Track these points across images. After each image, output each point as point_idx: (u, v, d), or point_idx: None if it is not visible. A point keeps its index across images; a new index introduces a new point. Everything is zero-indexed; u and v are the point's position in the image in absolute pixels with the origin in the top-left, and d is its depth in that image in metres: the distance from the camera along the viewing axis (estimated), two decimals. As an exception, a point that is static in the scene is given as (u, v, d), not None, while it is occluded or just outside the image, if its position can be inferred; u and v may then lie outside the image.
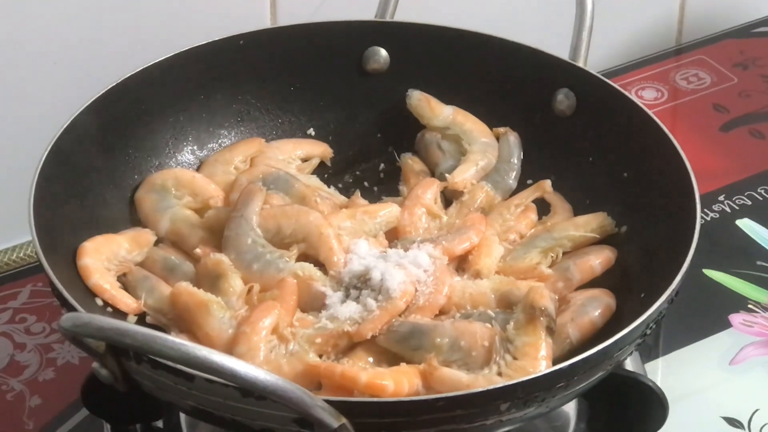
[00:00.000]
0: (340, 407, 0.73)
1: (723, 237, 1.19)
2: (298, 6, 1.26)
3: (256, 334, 0.87)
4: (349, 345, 0.88)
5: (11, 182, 1.05)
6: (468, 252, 0.97)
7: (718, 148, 1.32)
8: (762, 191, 1.25)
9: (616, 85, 1.04)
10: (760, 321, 1.10)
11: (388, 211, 1.00)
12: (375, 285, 0.91)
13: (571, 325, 0.90)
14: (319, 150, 1.11)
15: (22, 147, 1.05)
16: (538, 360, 0.84)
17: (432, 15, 1.13)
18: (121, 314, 0.92)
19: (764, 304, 1.11)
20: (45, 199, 0.91)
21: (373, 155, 1.12)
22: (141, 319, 0.93)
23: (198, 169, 1.07)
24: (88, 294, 0.92)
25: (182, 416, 0.97)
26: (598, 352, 0.79)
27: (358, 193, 1.05)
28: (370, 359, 0.87)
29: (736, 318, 1.10)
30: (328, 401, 0.73)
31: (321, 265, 0.95)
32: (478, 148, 1.08)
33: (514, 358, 0.84)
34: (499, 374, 0.83)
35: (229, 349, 0.86)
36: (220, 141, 1.10)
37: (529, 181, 1.07)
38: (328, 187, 1.08)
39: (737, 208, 1.23)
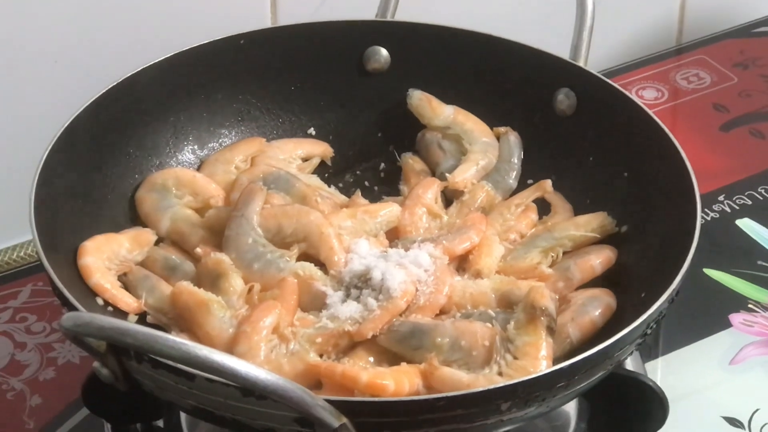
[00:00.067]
0: (341, 407, 0.73)
1: (723, 237, 1.19)
2: (299, 5, 1.26)
3: (256, 334, 0.87)
4: (350, 344, 0.88)
5: (12, 181, 1.05)
6: (468, 252, 0.97)
7: (718, 148, 1.32)
8: (762, 191, 1.25)
9: (616, 85, 1.04)
10: (760, 321, 1.10)
11: (388, 210, 1.00)
12: (376, 284, 0.91)
13: (572, 324, 0.90)
14: (320, 149, 1.11)
15: (22, 146, 1.06)
16: (539, 360, 0.84)
17: (433, 15, 1.13)
18: (121, 314, 0.92)
19: (764, 304, 1.12)
20: (46, 199, 0.91)
21: (373, 155, 1.12)
22: (142, 318, 0.93)
23: (198, 169, 1.07)
24: (89, 293, 0.92)
25: (183, 416, 0.97)
26: (598, 351, 0.79)
27: (358, 192, 1.05)
28: (371, 359, 0.87)
29: (736, 318, 1.10)
30: (328, 401, 0.73)
31: (322, 265, 0.95)
32: (479, 147, 1.08)
33: (515, 358, 0.84)
34: (500, 374, 0.84)
35: (230, 348, 0.87)
36: (220, 140, 1.10)
37: (530, 181, 1.07)
38: (329, 186, 1.08)
39: (737, 207, 1.23)
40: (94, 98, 0.99)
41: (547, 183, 1.05)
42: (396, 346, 0.87)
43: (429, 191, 1.03)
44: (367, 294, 0.91)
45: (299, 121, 1.12)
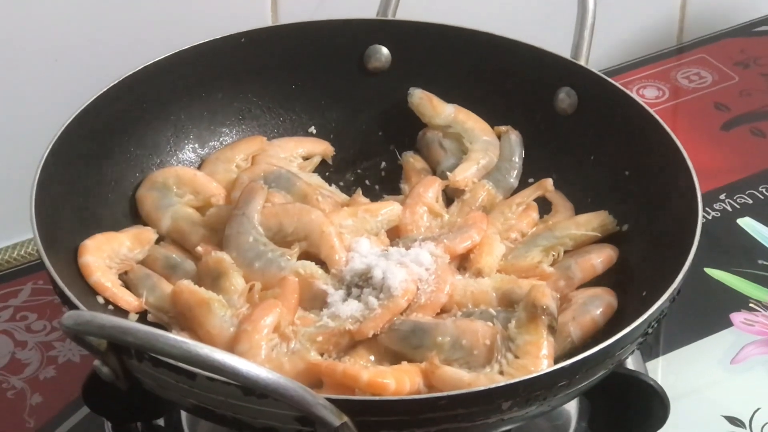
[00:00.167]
0: (342, 406, 0.73)
1: (724, 236, 1.19)
2: (299, 4, 1.26)
3: (257, 333, 0.87)
4: (351, 343, 0.88)
5: (12, 180, 1.05)
6: (469, 250, 0.97)
7: (719, 147, 1.32)
8: (763, 190, 1.25)
9: (617, 84, 1.04)
10: (761, 320, 1.10)
11: (389, 209, 1.00)
12: (376, 283, 0.91)
13: (573, 323, 0.90)
14: (321, 148, 1.11)
15: (23, 144, 1.05)
16: (540, 359, 0.84)
17: (434, 13, 1.13)
18: (122, 312, 0.92)
19: (765, 303, 1.11)
20: (46, 197, 0.91)
21: (374, 153, 1.12)
22: (142, 317, 0.93)
23: (199, 167, 1.07)
24: (90, 292, 0.92)
25: (183, 414, 0.97)
26: (599, 351, 0.79)
27: (359, 191, 1.05)
28: (372, 358, 0.87)
29: (737, 317, 1.10)
30: (329, 399, 0.72)
31: (322, 264, 0.95)
32: (480, 146, 1.08)
33: (516, 357, 0.84)
34: (501, 373, 0.84)
35: (231, 347, 0.86)
36: (221, 139, 1.10)
37: (531, 180, 1.07)
38: (330, 185, 1.08)
39: (738, 206, 1.23)
40: (94, 97, 0.99)
41: (548, 182, 1.05)
42: (397, 345, 0.87)
43: (430, 190, 1.03)
44: (368, 293, 0.90)
45: (300, 120, 1.12)
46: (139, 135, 1.04)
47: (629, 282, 0.95)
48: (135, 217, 1.02)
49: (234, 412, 0.77)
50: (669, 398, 0.88)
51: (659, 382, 0.89)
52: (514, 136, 1.08)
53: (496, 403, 0.77)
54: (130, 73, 1.02)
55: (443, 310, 0.91)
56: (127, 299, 0.93)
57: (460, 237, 0.97)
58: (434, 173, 1.08)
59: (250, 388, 0.73)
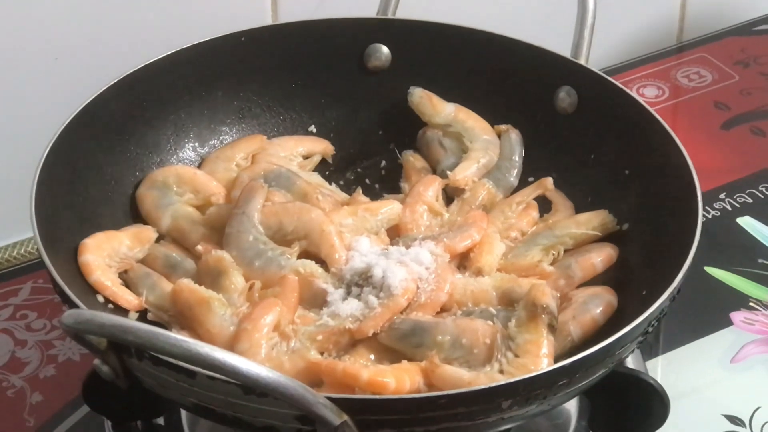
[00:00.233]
0: (342, 404, 0.73)
1: (724, 235, 1.19)
2: (300, 3, 1.26)
3: (257, 331, 0.87)
4: (351, 342, 0.88)
5: (13, 179, 1.04)
6: (469, 249, 0.97)
7: (719, 146, 1.32)
8: (763, 189, 1.25)
9: (617, 83, 1.04)
10: (761, 319, 1.10)
11: (389, 208, 1.00)
12: (376, 282, 0.90)
13: (573, 322, 0.90)
14: (321, 147, 1.11)
15: (23, 143, 1.05)
16: (540, 357, 0.84)
17: (434, 12, 1.13)
18: (122, 311, 0.92)
19: (765, 302, 1.11)
20: (46, 196, 0.91)
21: (374, 152, 1.12)
22: (142, 316, 0.93)
23: (199, 166, 1.07)
24: (89, 291, 0.92)
25: (183, 413, 0.97)
26: (599, 349, 0.79)
27: (359, 190, 1.05)
28: (372, 356, 0.87)
29: (737, 316, 1.10)
30: (329, 398, 0.73)
31: (322, 263, 0.94)
32: (480, 145, 1.08)
33: (516, 356, 0.84)
34: (501, 372, 0.83)
35: (231, 346, 0.86)
36: (221, 138, 1.10)
37: (531, 179, 1.07)
38: (330, 184, 1.08)
39: (738, 205, 1.23)
40: (94, 96, 0.99)
41: (548, 181, 1.05)
42: (397, 344, 0.87)
43: (430, 189, 1.03)
44: (368, 292, 0.90)
45: (300, 119, 1.12)
46: (140, 134, 1.04)
47: (629, 281, 0.95)
48: (135, 215, 1.02)
49: (234, 411, 0.77)
50: (669, 397, 0.88)
51: (659, 381, 0.89)
52: (514, 135, 1.08)
53: (496, 402, 0.77)
54: (130, 71, 1.02)
55: (443, 309, 0.91)
56: (127, 298, 0.93)
57: (460, 236, 0.97)
58: (434, 172, 1.08)
59: (250, 387, 0.73)
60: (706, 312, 1.10)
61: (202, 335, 0.89)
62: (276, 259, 0.94)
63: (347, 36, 1.11)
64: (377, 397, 0.80)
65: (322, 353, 0.87)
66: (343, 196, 1.05)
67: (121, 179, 1.02)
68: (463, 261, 0.97)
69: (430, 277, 0.92)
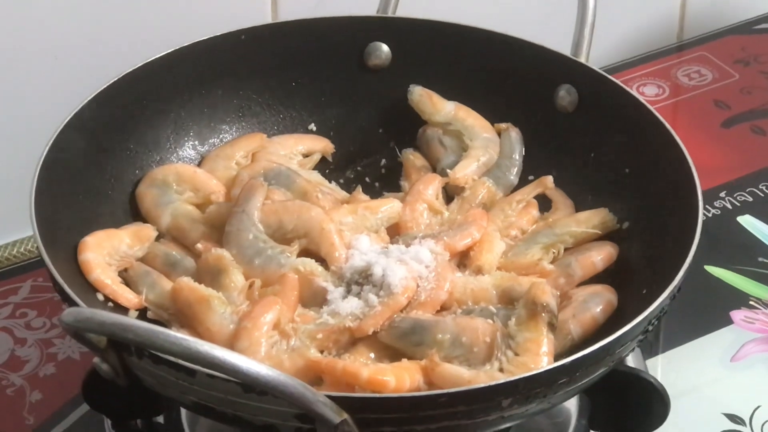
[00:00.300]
0: (342, 403, 0.73)
1: (724, 233, 1.19)
2: (300, 1, 1.26)
3: (257, 330, 0.87)
4: (351, 341, 0.88)
5: (12, 177, 1.04)
6: (469, 248, 0.97)
7: (719, 145, 1.32)
8: (763, 188, 1.25)
9: (618, 81, 1.04)
10: (761, 318, 1.10)
11: (389, 206, 1.00)
12: (376, 281, 0.90)
13: (573, 321, 0.90)
14: (321, 145, 1.11)
15: (23, 141, 1.05)
16: (540, 356, 0.84)
17: (434, 11, 1.13)
18: (122, 309, 0.92)
19: (765, 301, 1.11)
20: (46, 194, 0.91)
21: (374, 151, 1.12)
22: (142, 314, 0.93)
23: (199, 165, 1.07)
24: (89, 289, 0.92)
25: (183, 412, 0.97)
26: (599, 348, 0.79)
27: (359, 188, 1.05)
28: (372, 355, 0.87)
29: (737, 314, 1.10)
30: (329, 396, 0.72)
31: (322, 261, 0.94)
32: (480, 143, 1.08)
33: (516, 354, 0.84)
34: (501, 370, 0.83)
35: (231, 344, 0.86)
36: (221, 136, 1.10)
37: (531, 177, 1.06)
38: (330, 182, 1.08)
39: (738, 204, 1.23)
40: (94, 94, 0.99)
41: (548, 179, 1.05)
42: (397, 343, 0.87)
43: (430, 187, 1.03)
44: (368, 290, 0.90)
45: (300, 117, 1.12)
46: (139, 132, 1.04)
47: (629, 279, 0.95)
48: (135, 214, 1.02)
49: (234, 409, 0.77)
50: (669, 396, 0.88)
51: (659, 379, 0.89)
52: (514, 134, 1.08)
53: (496, 401, 0.77)
54: (130, 70, 1.02)
55: (443, 308, 0.91)
56: (126, 296, 0.93)
57: (460, 234, 0.97)
58: (434, 170, 1.08)
59: (250, 385, 0.73)
60: (706, 311, 1.10)
61: (202, 333, 0.89)
62: (276, 257, 0.94)
63: (347, 34, 1.11)
64: (377, 395, 0.80)
65: (322, 352, 0.87)
66: (343, 194, 1.05)
67: (121, 177, 1.02)
68: (463, 259, 0.97)
69: (430, 276, 0.92)
